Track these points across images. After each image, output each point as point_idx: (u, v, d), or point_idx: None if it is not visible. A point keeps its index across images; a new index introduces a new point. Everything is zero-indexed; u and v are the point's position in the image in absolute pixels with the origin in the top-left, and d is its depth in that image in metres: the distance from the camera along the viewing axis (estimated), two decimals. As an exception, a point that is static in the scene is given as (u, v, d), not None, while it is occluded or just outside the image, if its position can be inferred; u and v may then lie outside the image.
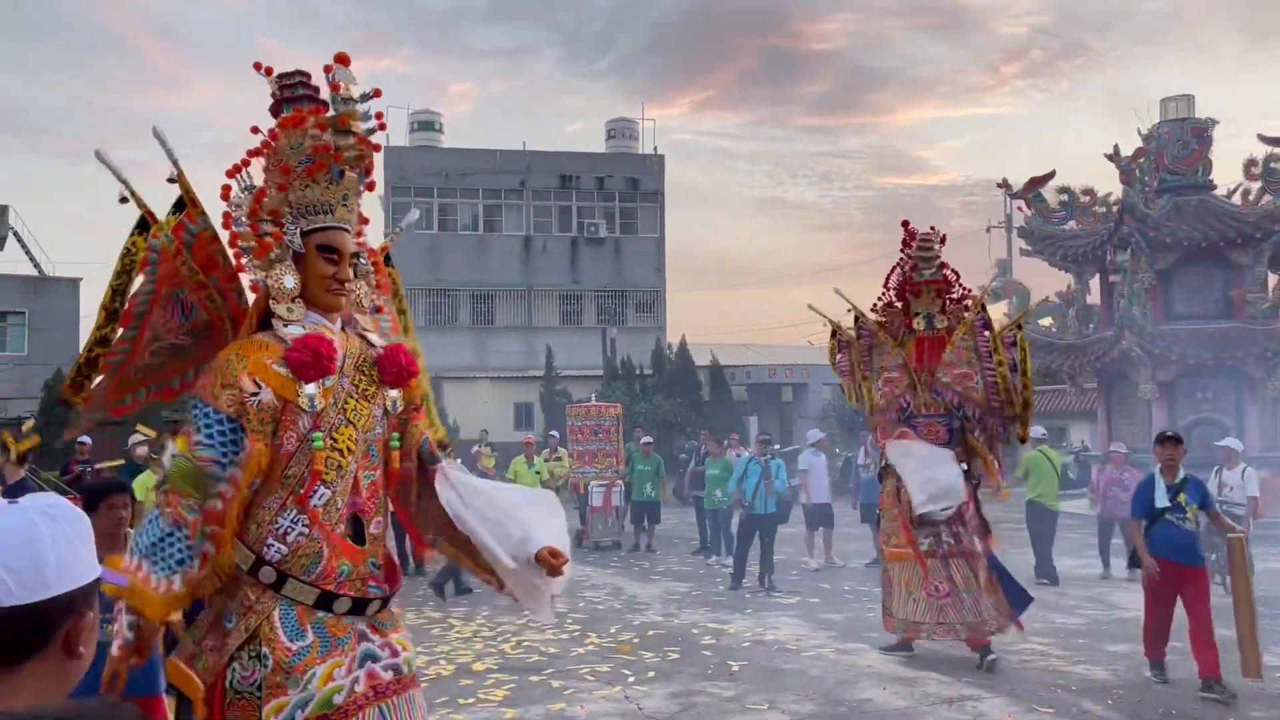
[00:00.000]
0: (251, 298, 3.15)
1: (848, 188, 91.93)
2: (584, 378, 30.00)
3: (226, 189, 3.05)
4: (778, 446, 14.58)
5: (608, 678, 7.33)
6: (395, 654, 2.98)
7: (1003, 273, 24.31)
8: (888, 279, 8.08)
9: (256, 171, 3.08)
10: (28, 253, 34.02)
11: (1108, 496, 12.17)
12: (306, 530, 2.87)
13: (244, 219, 3.00)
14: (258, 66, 3.07)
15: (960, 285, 8.04)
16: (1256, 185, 19.35)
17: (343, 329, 3.08)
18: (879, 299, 8.13)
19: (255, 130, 3.02)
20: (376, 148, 3.04)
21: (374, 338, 3.16)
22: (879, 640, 8.48)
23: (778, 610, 9.99)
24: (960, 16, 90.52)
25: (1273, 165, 19.01)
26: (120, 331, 3.07)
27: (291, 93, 3.04)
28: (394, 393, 3.10)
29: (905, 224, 8.09)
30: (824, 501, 13.27)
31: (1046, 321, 22.35)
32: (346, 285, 3.03)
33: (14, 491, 5.00)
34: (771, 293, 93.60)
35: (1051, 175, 21.28)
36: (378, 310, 3.33)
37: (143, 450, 10.94)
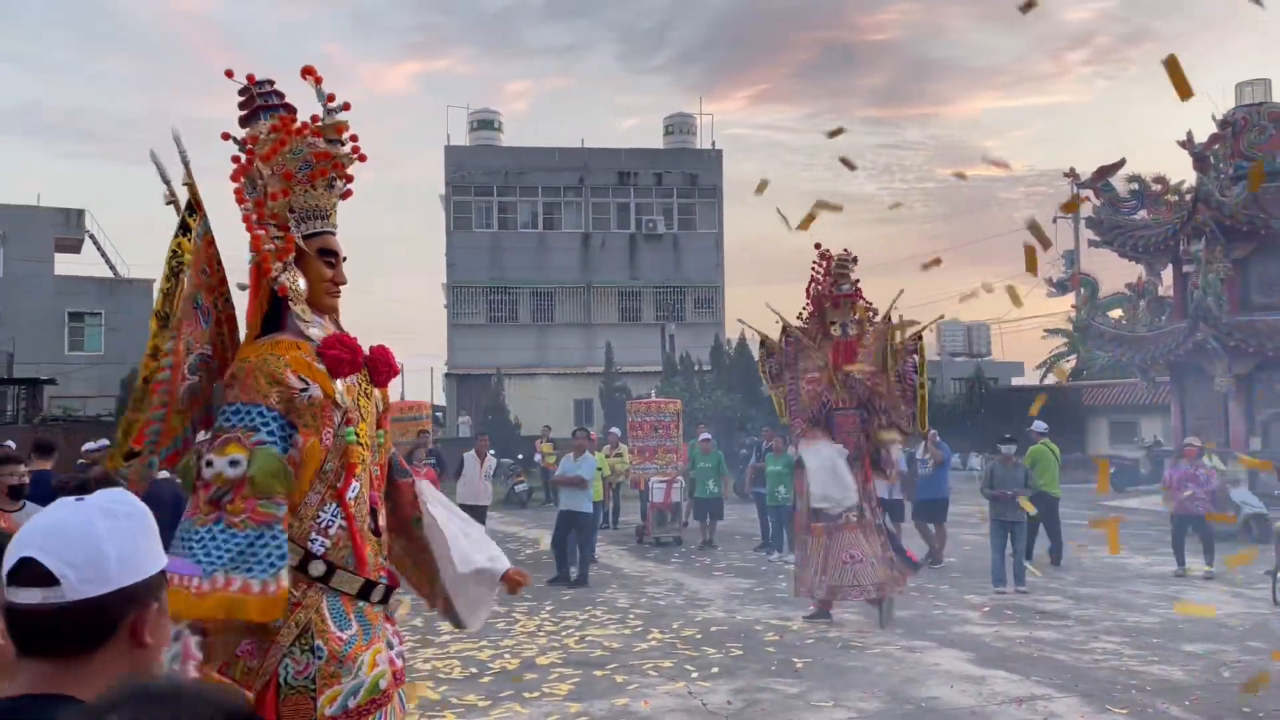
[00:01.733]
0: (237, 303, 3.25)
1: (909, 180, 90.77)
2: (643, 374, 30.03)
3: (239, 192, 3.10)
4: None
5: (671, 673, 7.33)
6: (401, 641, 3.18)
7: (1070, 264, 23.79)
8: (808, 291, 9.36)
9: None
10: (103, 255, 35.10)
11: (1181, 493, 11.84)
12: (345, 524, 2.95)
13: (255, 220, 3.07)
14: (230, 74, 3.14)
15: (865, 299, 9.38)
16: (1338, 170, 18.67)
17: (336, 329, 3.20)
18: (803, 310, 9.41)
19: (226, 137, 3.09)
20: (363, 158, 3.16)
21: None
22: (945, 638, 8.37)
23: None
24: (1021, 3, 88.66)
25: (1356, 149, 18.34)
26: (168, 343, 3.05)
27: (267, 100, 3.10)
28: (378, 392, 3.25)
29: (818, 246, 9.40)
30: (894, 498, 13.10)
31: (1116, 314, 21.85)
32: (340, 287, 3.16)
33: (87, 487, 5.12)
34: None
35: (1121, 164, 20.76)
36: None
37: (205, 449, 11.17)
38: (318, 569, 2.89)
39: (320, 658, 2.81)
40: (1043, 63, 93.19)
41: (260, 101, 3.10)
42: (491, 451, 13.53)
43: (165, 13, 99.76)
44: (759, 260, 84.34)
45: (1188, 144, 19.13)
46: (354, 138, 3.14)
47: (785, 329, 9.40)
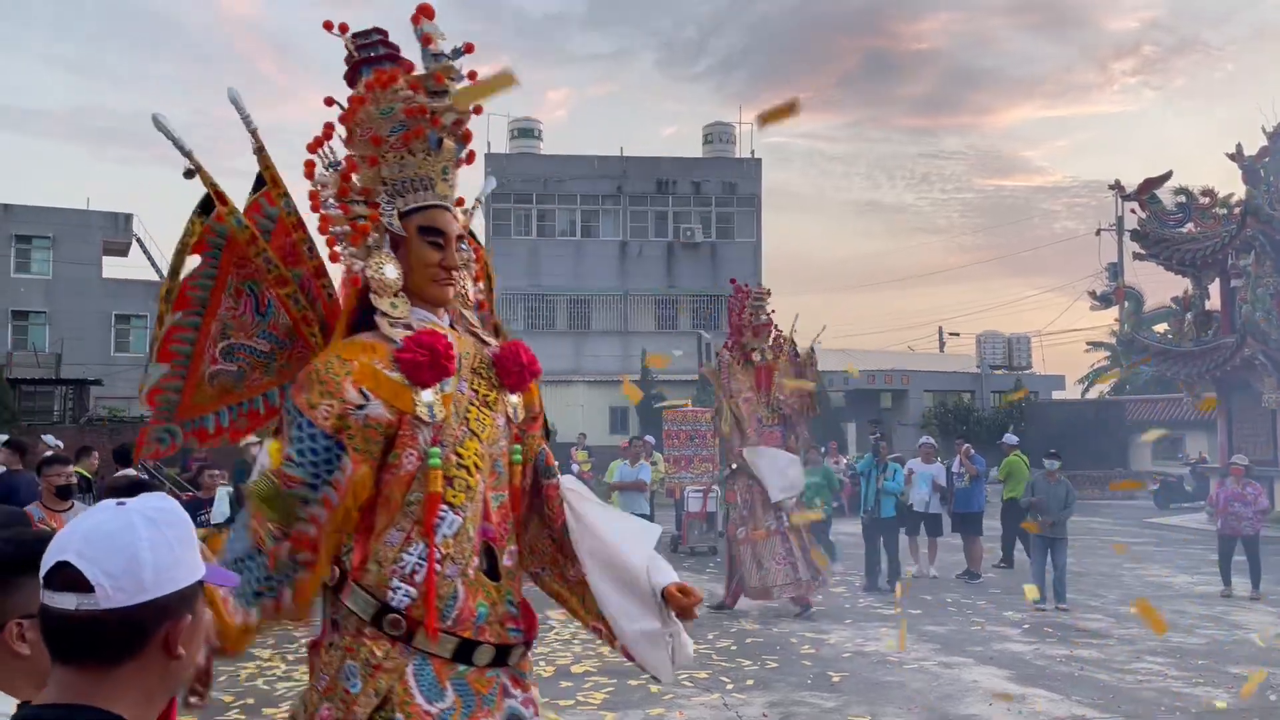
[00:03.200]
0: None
1: (948, 190, 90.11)
2: (679, 382, 30.03)
3: (310, 165, 2.57)
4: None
5: (706, 684, 7.30)
6: (537, 713, 2.57)
7: (1113, 277, 23.48)
8: (730, 321, 10.71)
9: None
10: (150, 259, 35.72)
11: (1228, 511, 11.60)
12: (438, 567, 2.39)
13: (332, 200, 2.55)
14: (328, 26, 2.59)
15: (776, 327, 10.73)
16: (1394, 184, 18.26)
17: (452, 325, 2.61)
18: (728, 339, 10.72)
19: (330, 102, 2.53)
20: (476, 111, 2.58)
21: (487, 335, 2.73)
22: (983, 654, 8.27)
23: (878, 621, 9.81)
24: (1066, 13, 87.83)
25: None
26: (178, 316, 2.62)
27: (370, 53, 2.54)
28: (514, 398, 2.64)
29: (734, 280, 11.28)
30: (931, 512, 13.00)
31: (1161, 328, 21.53)
32: (454, 273, 2.55)
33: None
34: (869, 297, 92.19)
35: (1168, 176, 20.47)
36: (480, 306, 2.85)
37: (255, 451, 11.33)
38: (396, 626, 2.35)
39: None
40: (1088, 72, 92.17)
41: (361, 56, 2.54)
42: None
43: (215, 19, 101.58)
44: (797, 269, 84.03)
45: (1237, 156, 18.80)
46: (472, 75, 2.51)
47: (719, 356, 10.76)
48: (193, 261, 2.64)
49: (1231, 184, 19.43)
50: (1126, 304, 22.10)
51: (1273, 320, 17.72)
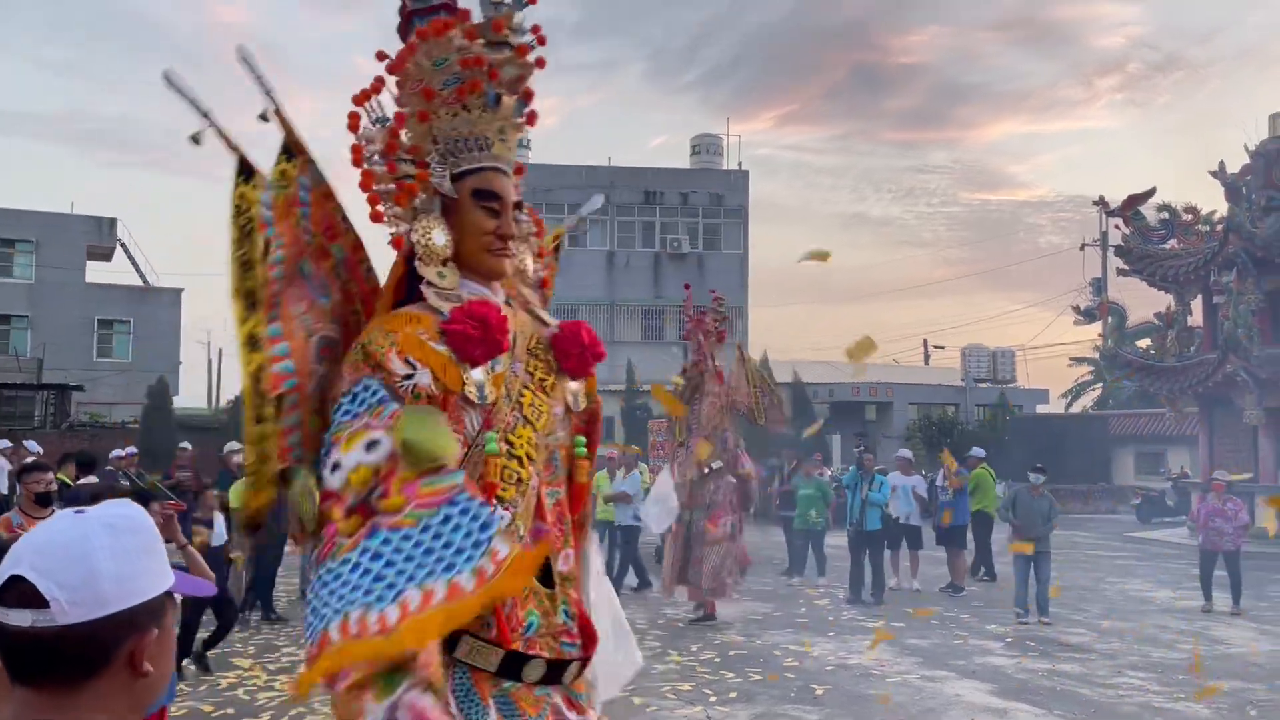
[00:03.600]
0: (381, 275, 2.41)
1: (934, 203, 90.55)
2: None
3: (355, 118, 2.29)
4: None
5: (689, 696, 7.28)
6: None
7: (1097, 292, 23.64)
8: (694, 334, 11.23)
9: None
10: (134, 264, 35.57)
11: (1209, 527, 11.67)
12: None
13: (378, 157, 2.28)
14: None
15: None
16: (1373, 203, 18.46)
17: (507, 302, 2.35)
18: (694, 350, 11.27)
19: (382, 56, 2.25)
20: (539, 65, 2.32)
21: (545, 314, 2.46)
22: (966, 668, 8.28)
23: (862, 634, 9.82)
24: (1052, 29, 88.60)
25: (1391, 183, 18.14)
26: (269, 327, 2.13)
27: (424, 3, 2.29)
28: (574, 384, 2.38)
29: (687, 285, 12.56)
30: (910, 524, 13.05)
31: (1144, 343, 21.67)
32: (510, 243, 2.30)
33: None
34: (855, 309, 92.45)
35: (1151, 192, 20.65)
36: (542, 284, 2.60)
37: (238, 459, 11.18)
38: None
39: None
40: (1074, 88, 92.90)
41: (414, 6, 2.29)
42: None
43: (206, 24, 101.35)
44: (782, 281, 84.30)
45: (1220, 174, 18.98)
46: (535, 29, 2.29)
47: (688, 367, 11.32)
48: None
49: (1214, 201, 19.67)
50: (1110, 319, 22.25)
51: (1254, 337, 17.88)
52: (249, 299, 2.11)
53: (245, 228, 2.14)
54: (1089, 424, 32.00)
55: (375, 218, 2.30)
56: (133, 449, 13.06)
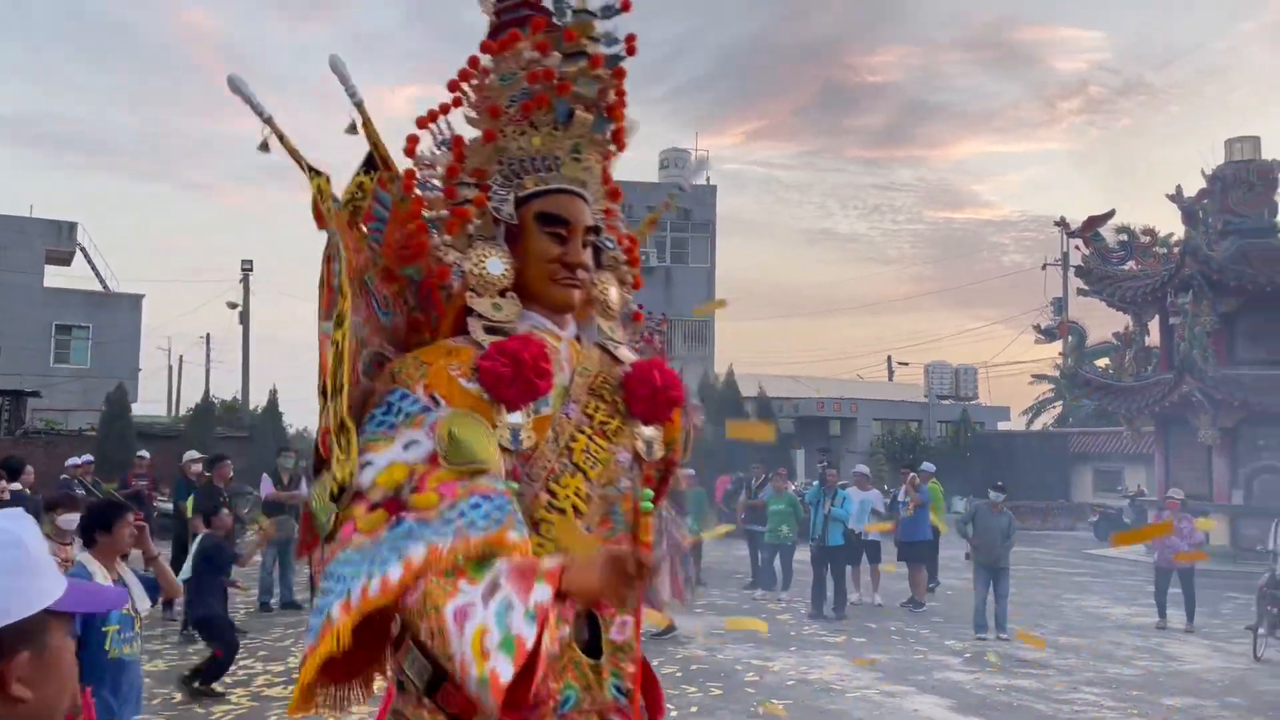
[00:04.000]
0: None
1: (899, 221, 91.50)
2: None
3: (413, 141, 2.14)
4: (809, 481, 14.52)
5: (649, 711, 7.27)
6: None
7: (1058, 311, 23.98)
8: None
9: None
10: (94, 268, 35.04)
11: (1164, 544, 11.85)
12: None
13: (435, 180, 2.14)
14: None
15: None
16: (1324, 229, 18.93)
17: (576, 337, 2.16)
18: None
19: (476, 61, 2.12)
20: (618, 76, 2.11)
21: (624, 351, 2.24)
22: (925, 683, 8.34)
23: (823, 649, 9.86)
24: (1017, 51, 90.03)
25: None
26: (329, 328, 1.96)
27: (512, 15, 2.10)
28: (648, 430, 2.14)
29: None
30: (870, 539, 13.14)
31: (1103, 363, 21.99)
32: (581, 273, 2.08)
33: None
34: (821, 324, 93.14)
35: (1111, 214, 21.01)
36: (634, 317, 2.41)
37: (197, 468, 11.00)
38: (449, 702, 1.84)
39: None
40: (1037, 109, 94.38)
41: (508, 18, 2.10)
42: None
43: (170, 30, 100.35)
44: (749, 295, 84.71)
45: (1177, 198, 19.35)
46: (629, 39, 2.07)
47: None
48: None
49: (1172, 224, 20.03)
50: (1070, 338, 22.57)
51: (1209, 358, 18.22)
52: (333, 300, 1.98)
53: (353, 222, 2.05)
54: (1049, 441, 32.39)
55: (422, 248, 2.12)
56: (89, 457, 12.84)
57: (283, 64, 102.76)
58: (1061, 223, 21.62)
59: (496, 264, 2.03)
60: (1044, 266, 35.44)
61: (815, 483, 13.37)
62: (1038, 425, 40.95)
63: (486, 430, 1.85)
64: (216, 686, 7.41)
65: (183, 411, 33.94)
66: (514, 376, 1.90)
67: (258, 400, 29.73)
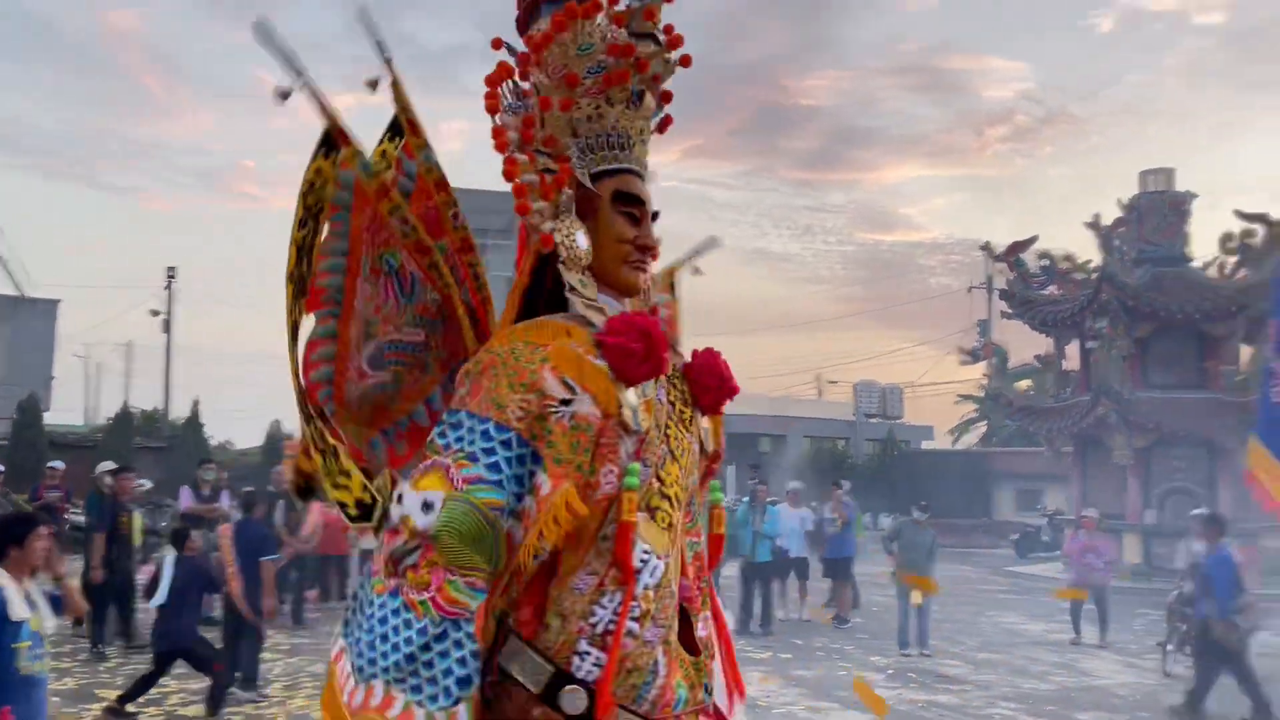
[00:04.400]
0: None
1: (830, 242, 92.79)
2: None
3: (493, 99, 2.02)
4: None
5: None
6: None
7: (983, 333, 24.55)
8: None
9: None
10: (8, 272, 33.85)
11: (1081, 562, 12.19)
12: (636, 627, 1.78)
13: (514, 147, 2.00)
14: None
15: None
16: (1232, 259, 19.71)
17: None
18: None
19: (498, 44, 2.02)
20: (685, 63, 2.05)
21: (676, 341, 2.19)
22: (849, 698, 8.44)
23: (749, 665, 9.92)
24: (946, 78, 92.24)
25: (1247, 240, 19.38)
26: (314, 323, 1.93)
27: None
28: (705, 422, 2.07)
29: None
30: (798, 556, 13.27)
31: (1025, 384, 22.54)
32: (649, 255, 2.01)
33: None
34: (753, 341, 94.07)
35: (1033, 240, 21.62)
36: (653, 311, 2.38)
37: (110, 480, 10.51)
38: (576, 704, 1.72)
39: None
40: (965, 136, 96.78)
41: None
42: None
43: (96, 29, 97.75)
44: (685, 313, 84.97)
45: (1095, 226, 20.00)
46: (668, 30, 2.00)
47: None
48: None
49: (1091, 251, 20.69)
50: (994, 360, 23.12)
51: (1124, 381, 18.82)
52: (299, 286, 1.91)
53: (313, 208, 1.90)
54: (972, 461, 33.09)
55: (522, 210, 1.97)
56: (1, 467, 12.41)
57: (214, 67, 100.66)
58: (986, 247, 22.16)
59: (583, 238, 1.92)
60: (970, 289, 36.29)
61: (745, 499, 13.47)
62: (962, 444, 41.85)
63: (483, 524, 1.69)
64: (130, 707, 7.17)
65: (100, 421, 32.95)
66: (645, 353, 1.80)
67: (179, 411, 29.02)
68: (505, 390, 1.73)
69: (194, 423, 26.13)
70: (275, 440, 25.44)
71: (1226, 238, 19.76)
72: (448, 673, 1.62)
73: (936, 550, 11.23)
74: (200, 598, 7.68)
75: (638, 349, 1.79)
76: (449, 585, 1.63)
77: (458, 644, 1.63)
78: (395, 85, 1.98)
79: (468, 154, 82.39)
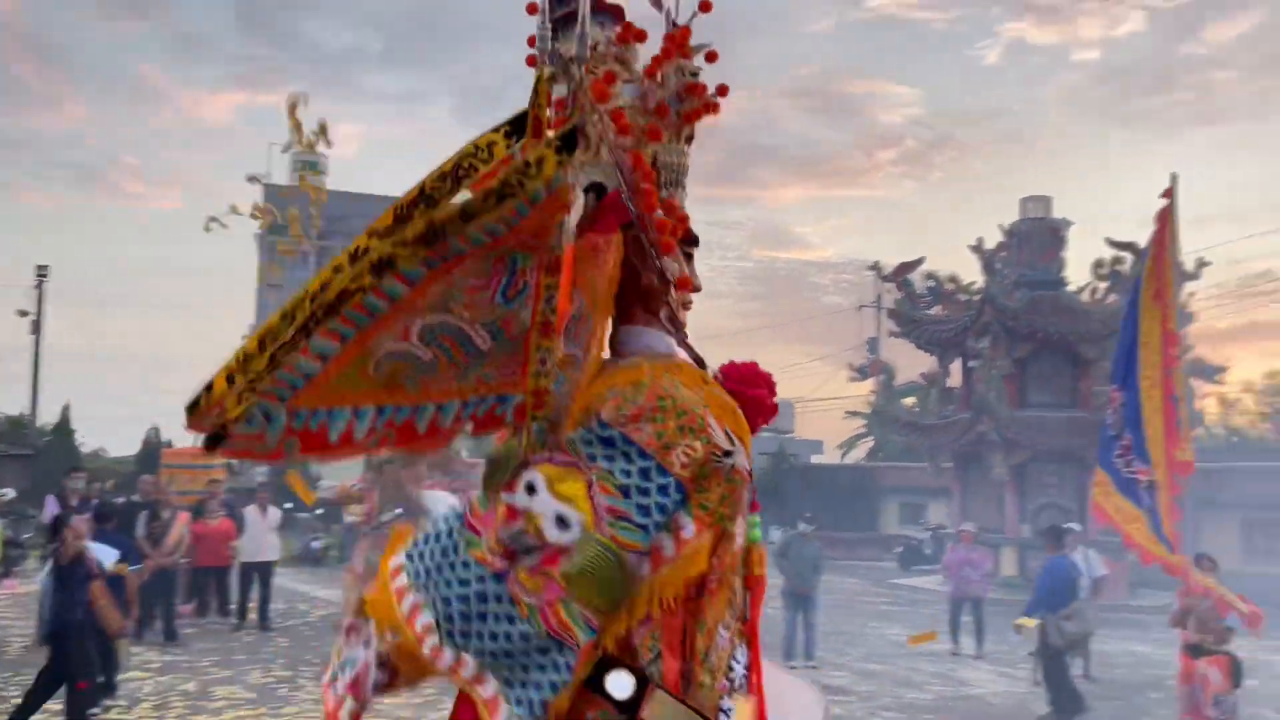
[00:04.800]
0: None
1: (728, 258, 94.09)
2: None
3: (609, 81, 1.79)
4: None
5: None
6: None
7: (871, 351, 25.18)
8: None
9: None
10: None
11: (959, 575, 12.59)
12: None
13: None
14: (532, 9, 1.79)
15: None
16: (1104, 285, 20.71)
17: None
18: None
19: (534, 9, 1.78)
20: (716, 110, 1.99)
21: None
22: (735, 712, 8.54)
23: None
24: (841, 101, 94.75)
25: (1117, 267, 20.39)
26: (407, 262, 1.59)
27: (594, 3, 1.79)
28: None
29: None
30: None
31: (910, 401, 23.20)
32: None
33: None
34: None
35: (920, 261, 22.31)
36: None
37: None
38: None
39: None
40: (858, 158, 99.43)
41: (567, 7, 1.78)
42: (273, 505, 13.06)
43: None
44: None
45: (978, 249, 20.76)
46: (711, 54, 1.96)
47: None
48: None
49: (974, 273, 21.46)
50: (882, 377, 23.73)
51: (1003, 400, 19.55)
52: (400, 217, 1.76)
53: (503, 192, 1.56)
54: (859, 475, 33.85)
55: (667, 249, 1.82)
56: None
57: (97, 59, 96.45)
58: (875, 267, 22.78)
59: (673, 266, 1.84)
60: (860, 308, 37.27)
61: None
62: (850, 459, 42.83)
63: (619, 576, 1.59)
64: (37, 717, 6.84)
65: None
66: (773, 407, 1.81)
67: (48, 417, 27.60)
68: (674, 431, 1.62)
69: (64, 429, 24.91)
70: (152, 448, 24.43)
71: (1099, 264, 20.78)
72: (539, 687, 1.55)
73: (822, 563, 11.45)
74: (85, 590, 7.35)
75: (770, 404, 1.80)
76: (563, 606, 1.55)
77: (556, 667, 1.56)
78: (539, 82, 1.74)
79: (362, 158, 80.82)
